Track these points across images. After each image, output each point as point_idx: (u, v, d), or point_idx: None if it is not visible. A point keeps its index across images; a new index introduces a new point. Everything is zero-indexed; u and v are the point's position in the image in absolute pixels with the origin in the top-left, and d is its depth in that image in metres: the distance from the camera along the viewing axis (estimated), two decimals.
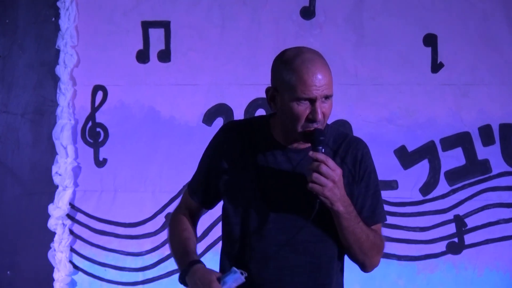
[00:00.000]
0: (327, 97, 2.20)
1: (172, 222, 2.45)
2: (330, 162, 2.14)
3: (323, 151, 2.18)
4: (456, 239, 3.78)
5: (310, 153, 2.16)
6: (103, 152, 4.07)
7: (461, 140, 3.80)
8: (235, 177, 2.30)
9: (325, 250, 2.28)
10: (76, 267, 4.09)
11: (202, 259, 2.28)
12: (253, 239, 2.26)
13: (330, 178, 2.13)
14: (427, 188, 3.82)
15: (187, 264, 2.25)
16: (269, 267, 2.25)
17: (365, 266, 2.32)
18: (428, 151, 3.83)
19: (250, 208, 2.25)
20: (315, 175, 2.13)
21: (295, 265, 2.26)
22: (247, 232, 2.27)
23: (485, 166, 3.78)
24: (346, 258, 2.34)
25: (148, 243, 4.05)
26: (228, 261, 2.31)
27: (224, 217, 2.35)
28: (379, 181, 2.34)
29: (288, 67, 2.18)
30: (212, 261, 2.37)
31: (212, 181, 2.34)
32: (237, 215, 2.28)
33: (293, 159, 2.28)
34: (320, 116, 2.19)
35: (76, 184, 4.09)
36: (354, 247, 2.24)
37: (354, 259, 2.30)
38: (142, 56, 4.05)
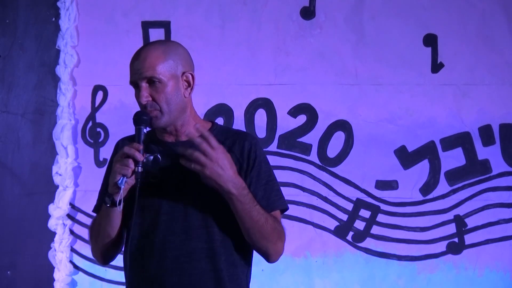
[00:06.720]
0: (152, 80, 2.23)
1: (92, 225, 2.50)
2: (213, 141, 2.15)
3: (145, 131, 2.21)
4: (456, 239, 3.78)
5: (196, 125, 2.18)
6: (103, 152, 4.07)
7: (461, 140, 3.81)
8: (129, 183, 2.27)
9: (216, 235, 2.28)
10: (76, 267, 4.09)
11: None
12: (151, 233, 2.28)
13: (209, 156, 2.14)
14: (427, 188, 3.82)
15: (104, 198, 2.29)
16: (168, 257, 2.27)
17: (269, 254, 2.31)
18: (428, 151, 3.83)
19: (145, 206, 2.26)
20: (195, 153, 2.14)
21: (191, 252, 2.27)
22: (145, 228, 2.29)
23: (485, 166, 3.79)
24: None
25: None
26: (133, 257, 2.31)
27: (125, 222, 2.35)
28: (272, 172, 2.36)
29: None
30: None
31: None
32: (136, 216, 2.26)
33: (177, 151, 2.29)
34: (143, 99, 2.23)
35: (76, 184, 4.09)
36: (253, 231, 2.24)
37: (257, 246, 2.29)
38: None
